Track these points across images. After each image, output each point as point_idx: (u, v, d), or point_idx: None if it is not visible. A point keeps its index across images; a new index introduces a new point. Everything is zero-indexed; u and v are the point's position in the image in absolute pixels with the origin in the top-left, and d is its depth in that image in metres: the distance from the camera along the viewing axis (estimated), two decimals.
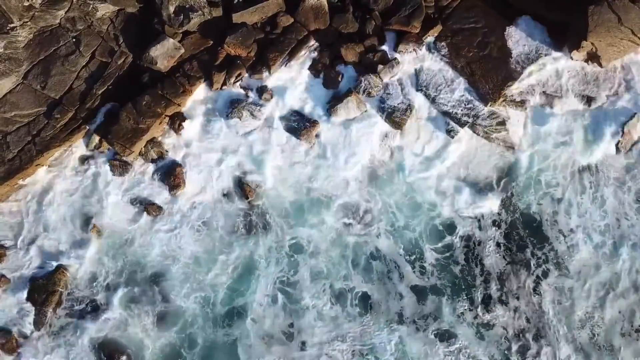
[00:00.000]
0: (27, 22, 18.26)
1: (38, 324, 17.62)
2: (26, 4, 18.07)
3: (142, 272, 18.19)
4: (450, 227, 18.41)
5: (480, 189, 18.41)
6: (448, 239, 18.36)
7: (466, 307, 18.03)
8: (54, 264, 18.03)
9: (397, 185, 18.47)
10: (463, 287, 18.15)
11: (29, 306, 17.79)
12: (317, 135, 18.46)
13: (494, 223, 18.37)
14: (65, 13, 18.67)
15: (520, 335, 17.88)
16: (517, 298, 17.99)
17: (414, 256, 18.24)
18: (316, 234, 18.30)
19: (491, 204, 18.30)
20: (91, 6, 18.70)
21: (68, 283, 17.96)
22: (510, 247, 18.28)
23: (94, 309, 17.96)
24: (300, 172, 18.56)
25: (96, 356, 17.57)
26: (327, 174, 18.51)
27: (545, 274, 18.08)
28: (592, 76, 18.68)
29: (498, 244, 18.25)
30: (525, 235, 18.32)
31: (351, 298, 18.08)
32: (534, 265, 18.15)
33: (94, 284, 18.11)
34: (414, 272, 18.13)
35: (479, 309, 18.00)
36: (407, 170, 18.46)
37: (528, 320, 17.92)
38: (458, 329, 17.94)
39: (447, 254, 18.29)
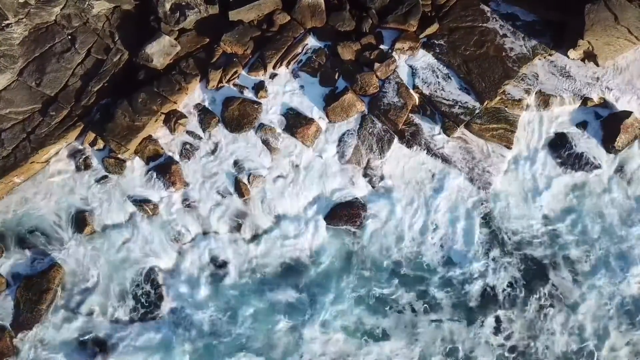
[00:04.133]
0: (22, 18, 18.21)
1: (32, 321, 17.53)
2: (21, 0, 18.01)
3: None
4: None
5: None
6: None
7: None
8: (49, 261, 17.95)
9: None
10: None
11: (24, 304, 17.70)
12: None
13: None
14: (61, 10, 18.63)
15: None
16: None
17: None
18: None
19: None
20: (87, 3, 18.67)
21: (62, 281, 17.91)
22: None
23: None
24: None
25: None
26: None
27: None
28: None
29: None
30: None
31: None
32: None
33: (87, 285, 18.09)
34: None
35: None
36: None
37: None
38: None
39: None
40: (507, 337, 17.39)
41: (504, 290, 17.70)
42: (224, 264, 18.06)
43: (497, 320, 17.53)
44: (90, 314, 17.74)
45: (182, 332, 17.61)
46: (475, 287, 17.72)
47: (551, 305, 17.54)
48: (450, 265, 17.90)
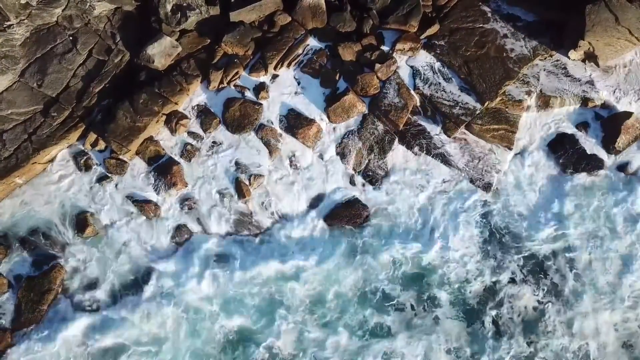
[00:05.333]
0: (24, 20, 18.24)
1: (33, 322, 17.56)
2: (23, 1, 18.04)
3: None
4: None
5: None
6: None
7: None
8: (50, 262, 17.98)
9: None
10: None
11: (25, 304, 17.74)
12: None
13: None
14: (62, 11, 18.65)
15: None
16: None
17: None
18: None
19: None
20: (88, 4, 18.70)
21: (63, 281, 17.96)
22: None
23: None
24: None
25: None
26: None
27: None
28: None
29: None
30: None
31: None
32: None
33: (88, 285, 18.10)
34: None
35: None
36: None
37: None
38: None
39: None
40: (509, 338, 17.44)
41: (504, 289, 17.75)
42: (223, 264, 18.09)
43: (497, 319, 17.59)
44: (90, 312, 17.79)
45: (182, 330, 17.73)
46: (476, 286, 17.77)
47: (549, 302, 17.61)
48: (450, 264, 17.93)
